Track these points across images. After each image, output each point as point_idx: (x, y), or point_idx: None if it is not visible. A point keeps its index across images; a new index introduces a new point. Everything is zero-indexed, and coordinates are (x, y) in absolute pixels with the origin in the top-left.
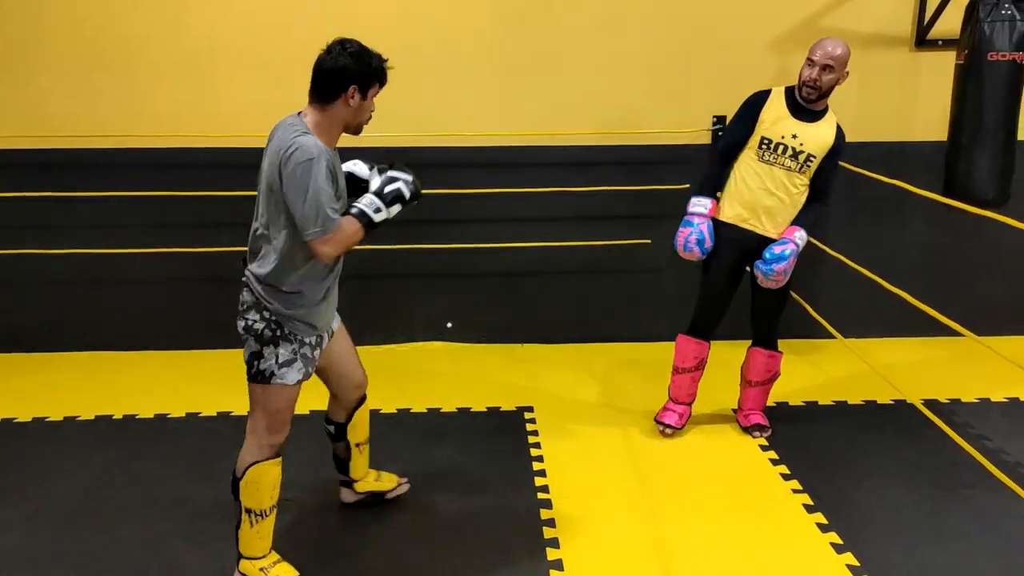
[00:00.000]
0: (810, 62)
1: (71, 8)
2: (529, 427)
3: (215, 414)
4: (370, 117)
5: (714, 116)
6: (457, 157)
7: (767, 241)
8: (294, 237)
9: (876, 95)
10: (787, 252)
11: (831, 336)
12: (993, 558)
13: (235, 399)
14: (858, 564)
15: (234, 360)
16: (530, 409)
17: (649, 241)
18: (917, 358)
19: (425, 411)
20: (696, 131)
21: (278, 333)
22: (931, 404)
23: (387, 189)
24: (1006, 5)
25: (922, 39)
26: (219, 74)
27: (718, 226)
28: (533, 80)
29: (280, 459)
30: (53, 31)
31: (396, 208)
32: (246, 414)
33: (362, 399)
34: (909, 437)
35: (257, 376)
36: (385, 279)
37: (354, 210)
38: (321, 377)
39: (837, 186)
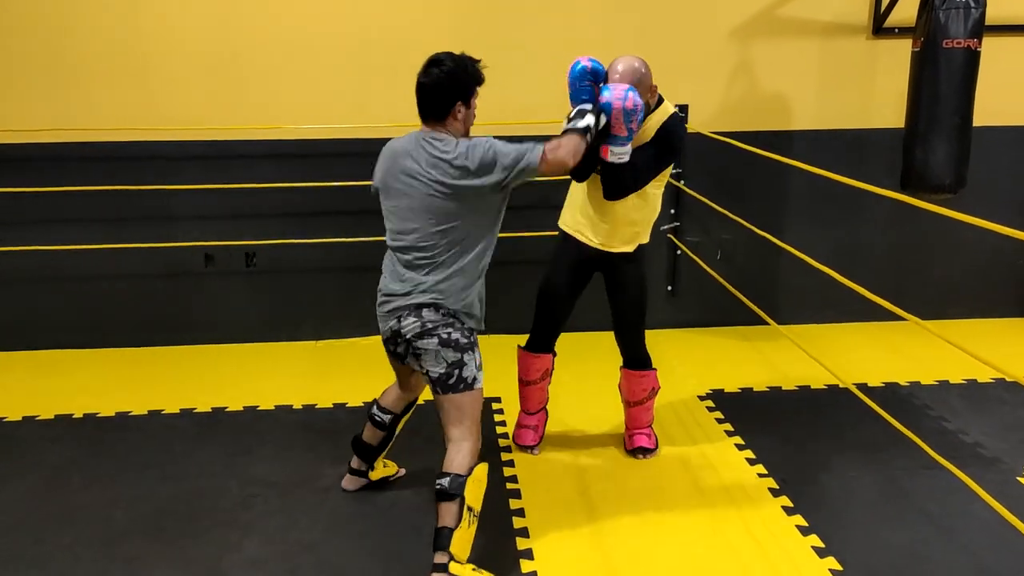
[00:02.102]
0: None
1: (13, 3)
2: (497, 418)
3: (178, 411)
4: (475, 116)
5: (676, 105)
6: None
7: (610, 256)
8: (464, 244)
9: (835, 83)
10: (636, 100)
11: (796, 323)
12: (954, 536)
13: (197, 395)
14: (823, 546)
15: (196, 356)
16: (498, 400)
17: None
18: (879, 343)
19: None
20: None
21: (472, 339)
22: (892, 387)
23: (583, 107)
24: None
25: (879, 27)
26: (167, 69)
27: (561, 236)
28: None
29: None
30: None
31: (588, 118)
32: (209, 411)
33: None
34: (870, 420)
35: (459, 384)
36: (349, 272)
37: (572, 130)
38: (402, 369)
39: (796, 174)
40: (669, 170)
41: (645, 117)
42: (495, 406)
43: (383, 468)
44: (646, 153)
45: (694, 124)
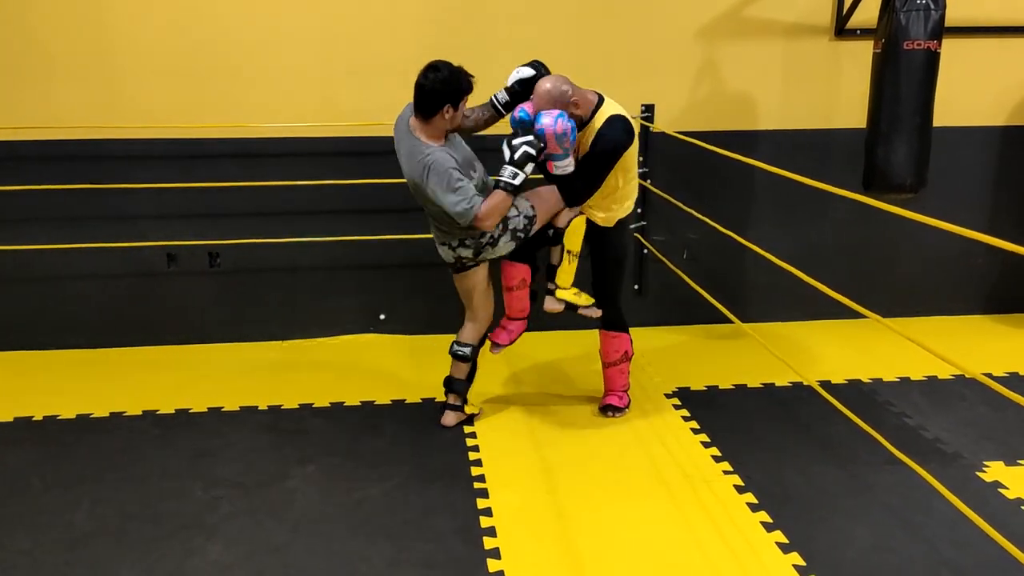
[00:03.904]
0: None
1: None
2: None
3: (140, 412)
4: (463, 117)
5: (642, 104)
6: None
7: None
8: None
9: (798, 84)
10: (566, 124)
11: (762, 321)
12: (917, 530)
13: (160, 397)
14: (787, 542)
15: (159, 357)
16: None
17: None
18: (842, 341)
19: (359, 404)
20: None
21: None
22: (855, 384)
23: (516, 156)
24: None
25: (841, 28)
26: (130, 66)
27: None
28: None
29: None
30: None
31: (530, 168)
32: (172, 412)
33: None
34: (834, 417)
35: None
36: (316, 272)
37: (498, 184)
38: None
39: (761, 174)
40: (628, 163)
41: (581, 128)
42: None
43: (574, 296)
44: (585, 159)
45: (660, 124)
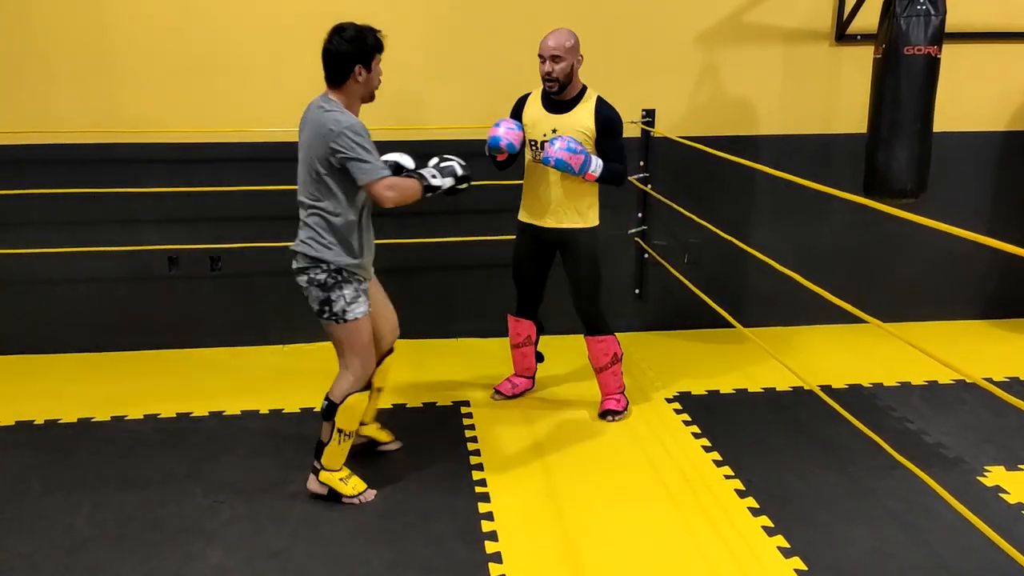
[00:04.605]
0: (541, 58)
1: None
2: (466, 421)
3: (141, 417)
4: (379, 82)
5: (643, 109)
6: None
7: (562, 232)
8: (338, 204)
9: (799, 89)
10: (580, 149)
11: (762, 326)
12: (918, 535)
13: (162, 401)
14: (788, 546)
15: (160, 361)
16: (466, 403)
17: None
18: (842, 345)
19: None
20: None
21: (339, 278)
22: (856, 388)
23: (442, 164)
24: (921, 1)
25: (841, 34)
26: (131, 70)
27: (519, 224)
28: (456, 72)
29: (368, 391)
30: None
31: (449, 181)
32: (173, 416)
33: (391, 348)
34: (835, 421)
35: (332, 317)
36: None
37: (415, 174)
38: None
39: (762, 179)
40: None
41: (568, 104)
42: (464, 410)
43: (377, 431)
44: (606, 139)
45: (660, 128)
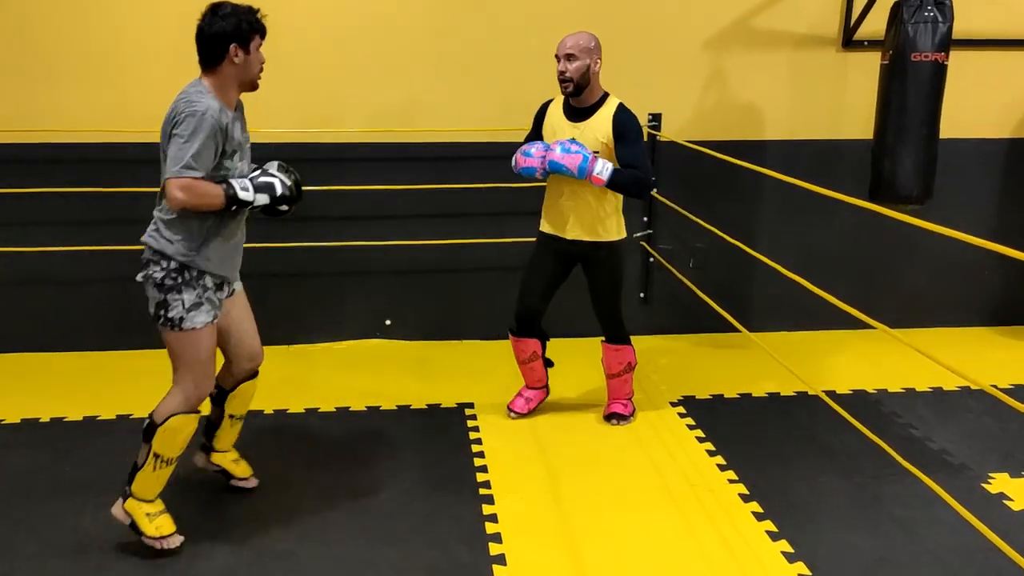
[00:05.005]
0: (556, 58)
1: None
2: (470, 423)
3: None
4: (261, 69)
5: (649, 113)
6: (393, 152)
7: (584, 244)
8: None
9: (806, 94)
10: (575, 148)
11: (767, 330)
12: (922, 541)
13: None
14: (792, 551)
15: (165, 360)
16: (470, 406)
17: None
18: (847, 351)
19: (365, 409)
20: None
21: (179, 280)
22: (860, 394)
23: (259, 180)
24: (929, 7)
25: (849, 40)
26: (138, 68)
27: (540, 235)
28: (466, 75)
29: (199, 414)
30: None
31: (264, 198)
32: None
33: (253, 373)
34: (839, 427)
35: (166, 323)
36: (322, 277)
37: (224, 183)
38: (219, 339)
39: (768, 184)
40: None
41: (588, 112)
42: (467, 411)
43: (231, 462)
44: (624, 145)
45: (667, 132)
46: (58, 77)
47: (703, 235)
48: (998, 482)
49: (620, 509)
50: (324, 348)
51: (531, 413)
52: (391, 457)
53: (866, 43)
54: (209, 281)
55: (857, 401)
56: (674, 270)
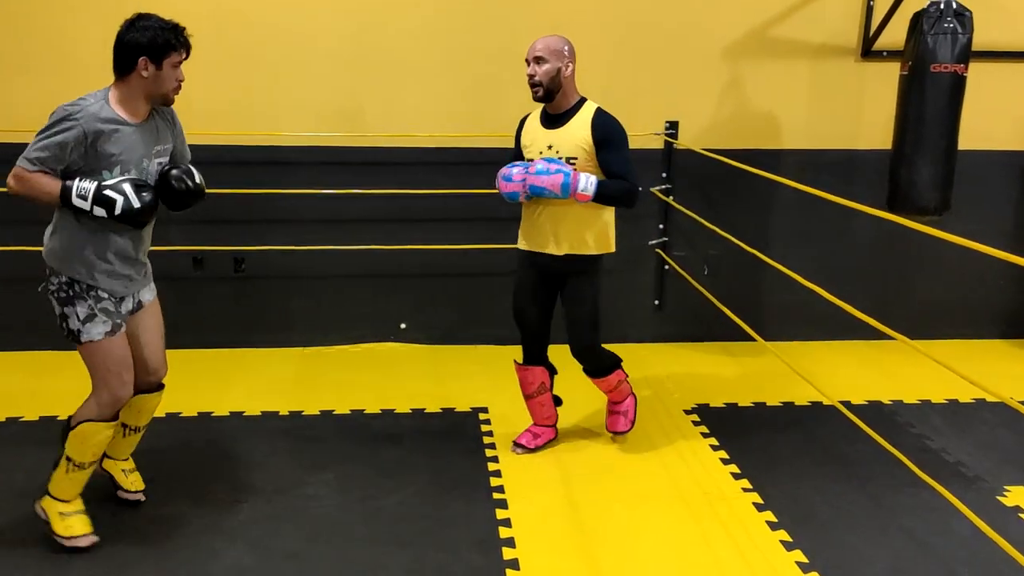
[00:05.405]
0: (526, 61)
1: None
2: (484, 427)
3: (163, 415)
4: (178, 87)
5: (666, 121)
6: (411, 157)
7: (565, 260)
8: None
9: (823, 104)
10: (555, 168)
11: (782, 339)
12: (936, 553)
13: (183, 400)
14: (807, 561)
15: (182, 360)
16: (485, 410)
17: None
18: (862, 361)
19: (379, 412)
20: (646, 135)
21: (71, 293)
22: (875, 405)
23: (106, 192)
24: (949, 19)
25: (868, 50)
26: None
27: (520, 254)
28: (478, 82)
29: (114, 423)
30: None
31: (100, 212)
32: (195, 415)
33: (156, 387)
34: (854, 437)
35: (68, 335)
36: (338, 279)
37: (69, 180)
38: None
39: (784, 192)
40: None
41: (563, 118)
42: (482, 416)
43: (121, 473)
44: (606, 151)
45: (684, 140)
46: (79, 78)
47: (718, 243)
48: (1014, 495)
49: (634, 515)
50: (339, 351)
51: (542, 448)
52: (405, 460)
53: (885, 53)
54: (103, 293)
55: (872, 411)
56: (689, 277)
